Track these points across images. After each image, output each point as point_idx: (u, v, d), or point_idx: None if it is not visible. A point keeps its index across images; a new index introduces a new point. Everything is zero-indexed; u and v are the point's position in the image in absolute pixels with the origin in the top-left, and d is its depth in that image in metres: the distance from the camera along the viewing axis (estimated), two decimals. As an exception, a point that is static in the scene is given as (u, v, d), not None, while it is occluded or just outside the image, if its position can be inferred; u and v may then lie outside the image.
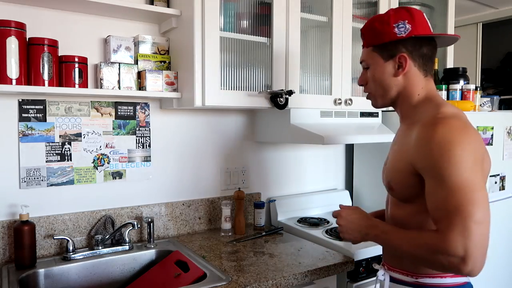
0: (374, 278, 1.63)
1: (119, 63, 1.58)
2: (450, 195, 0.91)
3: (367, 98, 1.20)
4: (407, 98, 1.11)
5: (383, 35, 1.08)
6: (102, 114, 1.68)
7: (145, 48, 1.67)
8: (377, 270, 1.23)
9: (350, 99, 1.91)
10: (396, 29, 1.07)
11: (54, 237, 1.52)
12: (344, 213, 1.17)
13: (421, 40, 1.08)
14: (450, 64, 2.35)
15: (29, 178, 1.54)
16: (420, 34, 1.07)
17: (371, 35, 1.12)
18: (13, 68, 1.36)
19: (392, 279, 1.14)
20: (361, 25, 1.98)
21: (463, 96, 2.12)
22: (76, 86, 1.50)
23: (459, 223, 0.89)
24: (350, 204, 2.33)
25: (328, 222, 1.99)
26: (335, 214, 1.19)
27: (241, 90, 1.66)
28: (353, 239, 1.15)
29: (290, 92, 1.68)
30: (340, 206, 1.21)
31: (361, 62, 1.17)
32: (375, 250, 1.64)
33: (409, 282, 1.09)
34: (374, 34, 1.11)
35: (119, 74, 1.58)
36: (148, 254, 1.64)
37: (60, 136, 1.60)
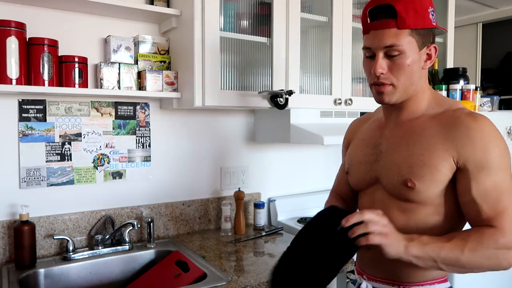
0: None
1: (119, 63, 1.58)
2: (501, 188, 0.91)
3: (380, 90, 0.99)
4: (420, 93, 1.02)
5: (425, 19, 0.94)
6: (102, 114, 1.68)
7: (145, 48, 1.67)
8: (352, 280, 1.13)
9: (350, 99, 1.91)
10: (431, 16, 0.95)
11: (54, 237, 1.53)
12: (373, 215, 0.89)
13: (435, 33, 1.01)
14: (450, 64, 2.35)
15: (29, 178, 1.54)
16: (437, 27, 1.00)
17: (413, 16, 0.93)
18: (13, 68, 1.36)
19: None
20: (361, 25, 1.97)
21: (463, 96, 2.12)
22: (76, 86, 1.50)
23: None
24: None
25: (328, 222, 1.99)
26: (358, 219, 0.89)
27: (241, 90, 1.66)
28: (395, 253, 0.89)
29: (290, 92, 1.68)
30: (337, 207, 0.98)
31: (390, 46, 0.94)
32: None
33: None
34: (417, 16, 0.94)
35: (119, 74, 1.58)
36: (148, 254, 1.64)
37: (60, 136, 1.60)
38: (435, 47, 0.99)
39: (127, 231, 1.64)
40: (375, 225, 0.88)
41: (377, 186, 1.07)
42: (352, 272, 1.18)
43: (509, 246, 0.89)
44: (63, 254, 1.55)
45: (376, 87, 0.99)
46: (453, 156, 0.93)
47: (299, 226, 1.91)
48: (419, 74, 0.99)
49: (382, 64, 0.96)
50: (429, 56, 0.99)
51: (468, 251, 0.88)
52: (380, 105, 1.10)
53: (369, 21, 0.97)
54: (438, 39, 2.30)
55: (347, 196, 1.26)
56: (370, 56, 0.99)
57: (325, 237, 0.91)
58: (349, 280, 1.57)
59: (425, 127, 0.99)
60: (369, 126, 1.16)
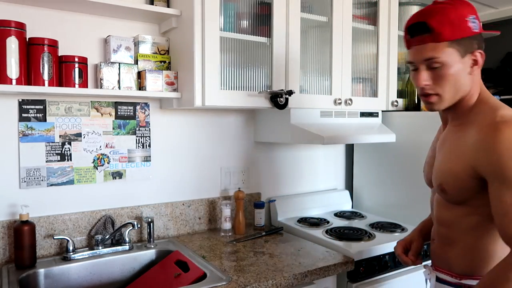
0: (375, 277, 1.64)
1: (119, 63, 1.58)
2: None
3: (427, 101, 1.06)
4: (469, 98, 1.06)
5: (462, 29, 1.00)
6: (102, 114, 1.68)
7: (145, 48, 1.67)
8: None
9: (350, 99, 1.91)
10: (470, 24, 1.00)
11: (54, 237, 1.52)
12: None
13: (482, 37, 1.05)
14: (450, 64, 2.34)
15: (29, 178, 1.54)
16: (484, 32, 1.04)
17: (449, 29, 0.99)
18: (13, 68, 1.36)
19: (438, 279, 1.17)
20: (361, 25, 1.98)
21: (463, 96, 2.12)
22: (76, 86, 1.50)
23: None
24: (351, 205, 2.34)
25: (328, 222, 1.99)
26: None
27: (241, 90, 1.66)
28: None
29: (290, 92, 1.68)
30: None
31: (429, 59, 1.02)
32: (375, 250, 1.64)
33: (452, 282, 1.12)
34: (453, 28, 0.99)
35: (119, 74, 1.58)
36: (148, 254, 1.64)
37: (60, 136, 1.60)
38: (480, 52, 1.03)
39: (127, 231, 1.64)
40: None
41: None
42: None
43: None
44: (63, 254, 1.55)
45: (424, 98, 1.07)
46: (472, 165, 0.99)
47: (299, 226, 1.92)
48: (466, 80, 1.04)
49: (424, 76, 1.03)
50: (475, 62, 1.04)
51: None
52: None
53: (409, 38, 1.06)
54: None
55: None
56: (414, 69, 1.07)
57: None
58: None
59: (461, 135, 1.05)
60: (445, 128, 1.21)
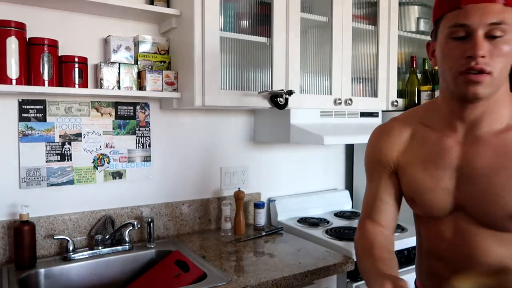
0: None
1: (119, 63, 1.58)
2: None
3: (475, 80, 0.79)
4: (503, 95, 0.85)
5: None
6: (102, 114, 1.68)
7: (145, 48, 1.67)
8: None
9: (350, 99, 1.91)
10: None
11: (54, 237, 1.52)
12: None
13: None
14: (450, 64, 2.35)
15: (29, 178, 1.54)
16: None
17: None
18: (13, 68, 1.36)
19: None
20: (361, 25, 1.98)
21: (463, 96, 2.12)
22: (76, 86, 1.50)
23: None
24: (351, 205, 2.34)
25: (328, 222, 1.99)
26: None
27: (241, 90, 1.66)
28: None
29: (290, 92, 1.68)
30: None
31: (495, 24, 0.77)
32: (375, 250, 1.64)
33: None
34: None
35: (119, 74, 1.58)
36: (148, 254, 1.64)
37: (60, 136, 1.60)
38: None
39: (127, 231, 1.64)
40: None
41: (458, 214, 0.91)
42: None
43: None
44: (63, 254, 1.55)
45: (471, 76, 0.79)
46: None
47: (299, 226, 1.91)
48: (509, 68, 0.81)
49: (484, 45, 0.77)
50: None
51: None
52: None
53: None
54: (438, 39, 2.30)
55: (389, 226, 1.04)
56: (461, 37, 0.80)
57: None
58: None
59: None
60: (424, 141, 0.94)
